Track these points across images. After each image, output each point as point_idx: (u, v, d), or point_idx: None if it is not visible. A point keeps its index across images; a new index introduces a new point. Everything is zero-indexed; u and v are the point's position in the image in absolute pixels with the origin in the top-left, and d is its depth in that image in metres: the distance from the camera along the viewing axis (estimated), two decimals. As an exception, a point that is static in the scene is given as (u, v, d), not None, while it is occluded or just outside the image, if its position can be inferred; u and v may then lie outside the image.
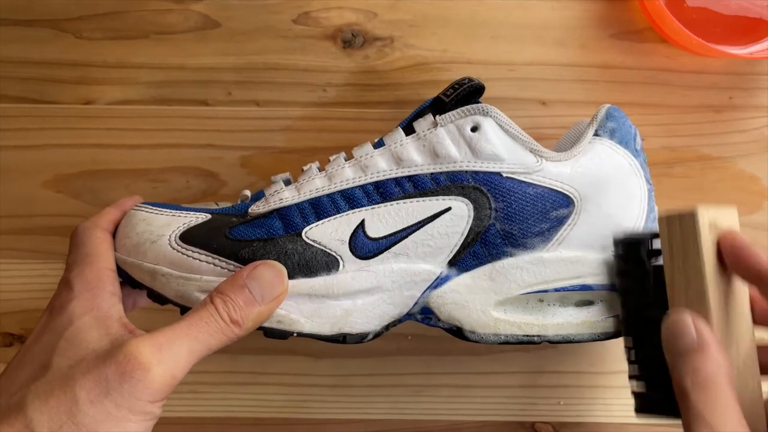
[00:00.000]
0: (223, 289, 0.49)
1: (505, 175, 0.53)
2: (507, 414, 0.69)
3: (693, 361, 0.46)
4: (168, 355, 0.46)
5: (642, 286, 0.53)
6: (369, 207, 0.53)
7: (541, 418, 0.69)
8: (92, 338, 0.47)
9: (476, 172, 0.53)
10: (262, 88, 0.68)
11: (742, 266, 0.47)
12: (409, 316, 0.56)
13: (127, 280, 0.54)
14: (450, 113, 0.54)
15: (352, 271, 0.53)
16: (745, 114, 0.68)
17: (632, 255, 0.54)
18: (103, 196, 0.68)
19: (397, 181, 0.54)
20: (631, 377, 0.54)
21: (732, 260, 0.48)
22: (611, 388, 0.68)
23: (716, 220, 0.48)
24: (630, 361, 0.54)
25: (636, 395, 0.54)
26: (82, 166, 0.68)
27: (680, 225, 0.49)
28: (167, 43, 0.68)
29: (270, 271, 0.51)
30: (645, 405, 0.53)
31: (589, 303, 0.57)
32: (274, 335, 0.53)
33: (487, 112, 0.53)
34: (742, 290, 0.49)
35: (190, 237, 0.53)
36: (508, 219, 0.53)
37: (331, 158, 0.57)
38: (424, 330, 0.59)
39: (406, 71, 0.68)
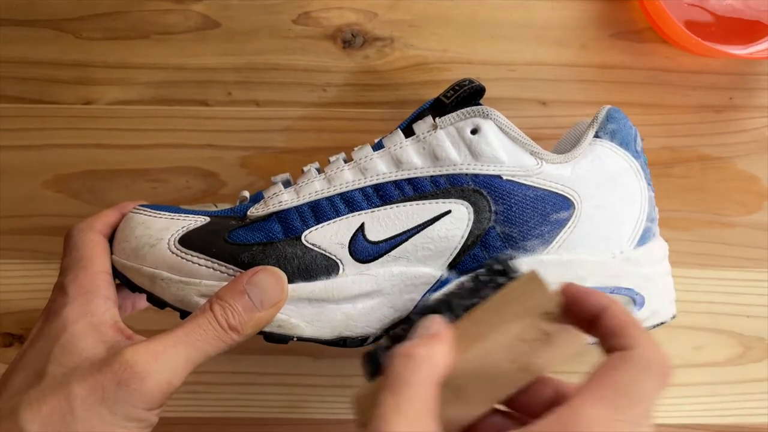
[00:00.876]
0: (223, 295, 0.49)
1: (505, 177, 0.53)
2: (507, 414, 0.69)
3: (415, 343, 0.43)
4: (164, 363, 0.46)
5: None
6: (369, 210, 0.53)
7: (540, 418, 0.69)
8: (87, 345, 0.47)
9: (476, 175, 0.53)
10: (262, 88, 0.68)
11: (579, 307, 0.44)
12: (409, 319, 0.56)
13: (126, 284, 0.54)
14: (450, 115, 0.54)
15: (352, 275, 0.53)
16: (745, 114, 0.68)
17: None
18: (103, 196, 0.68)
19: (397, 183, 0.53)
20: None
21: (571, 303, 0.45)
22: (611, 388, 0.68)
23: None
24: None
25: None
26: (82, 166, 0.68)
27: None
28: (167, 43, 0.68)
29: (270, 277, 0.50)
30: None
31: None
32: (275, 340, 0.53)
33: (488, 115, 0.53)
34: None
35: (189, 241, 0.52)
36: (508, 222, 0.53)
37: (331, 159, 0.57)
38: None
39: (406, 71, 0.68)
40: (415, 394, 0.40)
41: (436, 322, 0.45)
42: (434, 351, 0.43)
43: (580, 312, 0.44)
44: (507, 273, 0.47)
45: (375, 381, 0.45)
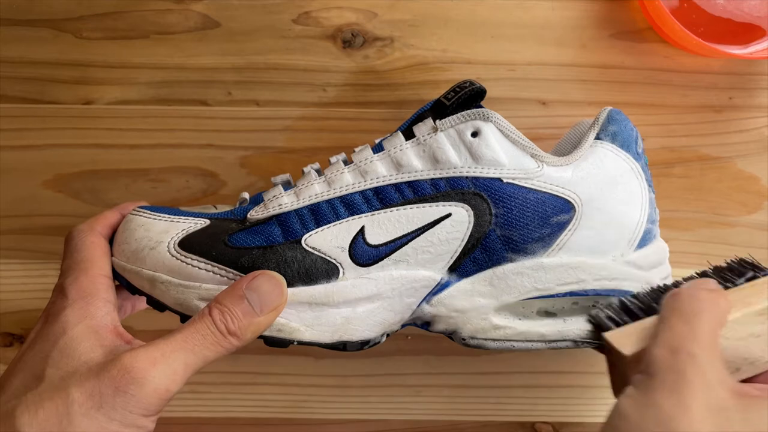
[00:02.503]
0: (222, 299, 0.49)
1: (505, 180, 0.53)
2: (507, 414, 0.69)
3: (699, 289, 0.47)
4: (163, 369, 0.46)
5: None
6: (369, 213, 0.53)
7: (541, 418, 0.69)
8: (85, 349, 0.47)
9: (476, 178, 0.53)
10: (262, 88, 0.68)
11: None
12: (409, 322, 0.56)
13: (126, 286, 0.54)
14: (450, 118, 0.54)
15: (352, 279, 0.53)
16: (745, 114, 0.68)
17: None
18: (103, 196, 0.68)
19: (397, 186, 0.53)
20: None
21: None
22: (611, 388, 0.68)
23: None
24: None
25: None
26: (82, 166, 0.68)
27: None
28: (167, 43, 0.68)
29: (269, 282, 0.50)
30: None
31: (589, 309, 0.57)
32: (275, 344, 0.52)
33: (488, 117, 0.53)
34: None
35: (189, 244, 0.52)
36: (509, 225, 0.53)
37: (331, 160, 0.57)
38: (425, 331, 0.59)
39: (406, 71, 0.68)
40: (706, 325, 0.44)
41: (712, 282, 0.50)
42: (719, 300, 0.46)
43: None
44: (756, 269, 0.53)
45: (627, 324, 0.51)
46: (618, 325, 0.52)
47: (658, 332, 0.45)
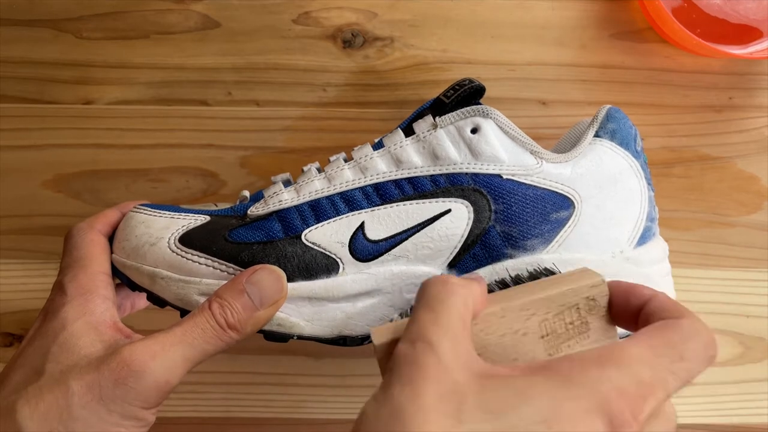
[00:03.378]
0: (222, 293, 0.49)
1: (505, 176, 0.53)
2: (507, 414, 0.69)
3: (446, 276, 0.44)
4: (162, 362, 0.46)
5: None
6: (368, 209, 0.53)
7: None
8: (85, 343, 0.47)
9: (476, 174, 0.53)
10: (262, 88, 0.68)
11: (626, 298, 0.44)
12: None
13: (127, 283, 0.54)
14: (450, 115, 0.54)
15: (352, 274, 0.53)
16: (745, 114, 0.68)
17: None
18: (103, 196, 0.68)
19: (397, 183, 0.53)
20: None
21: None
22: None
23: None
24: None
25: None
26: (82, 166, 0.68)
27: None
28: (167, 43, 0.68)
29: (269, 276, 0.50)
30: None
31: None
32: (275, 338, 0.53)
33: (488, 114, 0.53)
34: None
35: (189, 240, 0.53)
36: (508, 221, 0.53)
37: (331, 159, 0.57)
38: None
39: (406, 71, 0.68)
40: (453, 313, 0.40)
41: (475, 274, 0.48)
42: (471, 285, 0.42)
43: (627, 303, 0.43)
44: (550, 272, 0.49)
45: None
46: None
47: (408, 324, 0.41)
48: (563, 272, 0.48)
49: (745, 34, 0.67)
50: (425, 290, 0.42)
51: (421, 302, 0.41)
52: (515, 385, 0.37)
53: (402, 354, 0.38)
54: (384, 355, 0.43)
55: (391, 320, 0.47)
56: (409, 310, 0.50)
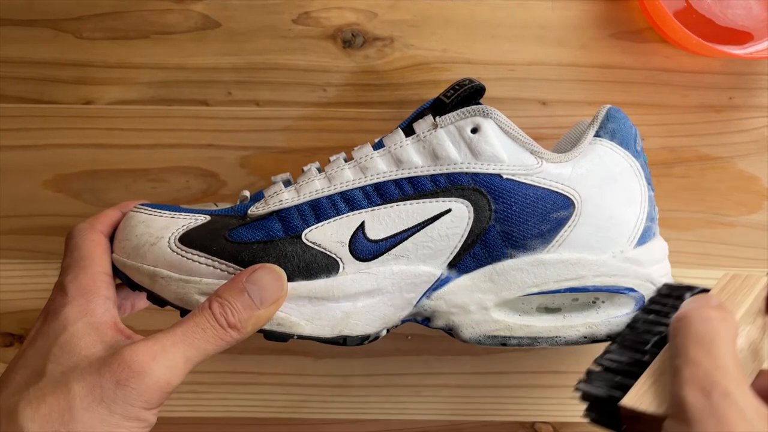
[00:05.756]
0: (222, 292, 0.49)
1: (505, 176, 0.53)
2: (507, 414, 0.69)
3: (706, 308, 0.46)
4: (163, 362, 0.46)
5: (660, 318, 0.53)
6: (369, 209, 0.53)
7: (541, 418, 0.69)
8: (85, 344, 0.47)
9: (476, 174, 0.53)
10: (262, 88, 0.68)
11: None
12: (409, 317, 0.56)
13: (127, 283, 0.54)
14: (450, 114, 0.54)
15: (352, 274, 0.53)
16: (745, 114, 0.68)
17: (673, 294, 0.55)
18: (103, 196, 0.68)
19: (397, 182, 0.53)
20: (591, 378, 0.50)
21: None
22: (611, 388, 0.68)
23: None
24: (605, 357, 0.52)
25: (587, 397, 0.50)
26: (82, 166, 0.68)
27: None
28: (167, 43, 0.68)
29: (269, 275, 0.50)
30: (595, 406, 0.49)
31: (589, 305, 0.57)
32: (275, 338, 0.52)
33: (488, 114, 0.53)
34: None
35: (189, 239, 0.52)
36: (508, 220, 0.53)
37: (331, 159, 0.57)
38: (424, 330, 0.59)
39: (406, 71, 0.68)
40: (726, 350, 0.42)
41: (714, 297, 0.48)
42: (726, 315, 0.45)
43: None
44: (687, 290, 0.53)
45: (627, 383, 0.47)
46: (612, 387, 0.48)
47: (679, 368, 0.42)
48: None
49: (735, 36, 0.67)
50: (689, 328, 0.44)
51: (690, 342, 0.43)
52: None
53: (697, 405, 0.40)
54: (648, 420, 0.44)
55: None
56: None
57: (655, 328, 0.52)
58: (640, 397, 0.45)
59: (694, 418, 0.40)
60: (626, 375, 0.48)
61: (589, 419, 0.49)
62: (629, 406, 0.44)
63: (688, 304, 0.48)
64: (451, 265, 0.54)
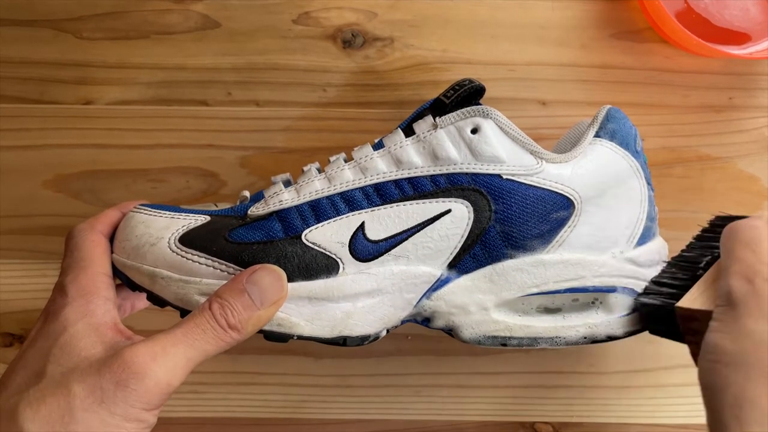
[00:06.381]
0: (222, 293, 0.49)
1: (505, 176, 0.53)
2: (507, 414, 0.69)
3: (754, 218, 0.51)
4: (163, 363, 0.46)
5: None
6: (369, 209, 0.53)
7: (541, 418, 0.69)
8: (86, 345, 0.47)
9: (476, 174, 0.53)
10: (262, 88, 0.68)
11: None
12: (409, 318, 0.56)
13: (127, 283, 0.54)
14: (450, 115, 0.54)
15: (352, 274, 0.53)
16: (745, 114, 0.68)
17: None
18: (103, 196, 0.68)
19: (397, 183, 0.53)
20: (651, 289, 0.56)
21: None
22: (611, 388, 0.68)
23: None
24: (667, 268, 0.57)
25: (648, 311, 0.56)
26: (82, 166, 0.68)
27: None
28: (167, 43, 0.68)
29: (269, 275, 0.50)
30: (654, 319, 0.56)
31: (589, 305, 0.57)
32: (275, 338, 0.52)
33: (488, 114, 0.53)
34: None
35: (189, 240, 0.52)
36: (508, 221, 0.53)
37: (331, 159, 0.57)
38: (424, 330, 0.59)
39: (406, 71, 0.68)
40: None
41: (760, 214, 0.55)
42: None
43: None
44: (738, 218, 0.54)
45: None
46: (669, 297, 0.53)
47: (728, 265, 0.48)
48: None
49: (733, 37, 0.67)
50: (738, 233, 0.49)
51: (738, 244, 0.49)
52: None
53: (741, 290, 0.46)
54: (701, 318, 0.48)
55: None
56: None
57: (708, 251, 0.55)
58: (695, 299, 0.50)
59: (738, 300, 0.45)
60: (681, 289, 0.52)
61: (650, 330, 0.56)
62: (686, 306, 0.50)
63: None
64: (451, 265, 0.54)
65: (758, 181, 0.69)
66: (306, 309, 0.52)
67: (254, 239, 0.53)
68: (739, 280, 0.46)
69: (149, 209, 0.55)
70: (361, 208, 0.53)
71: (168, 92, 0.68)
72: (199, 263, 0.52)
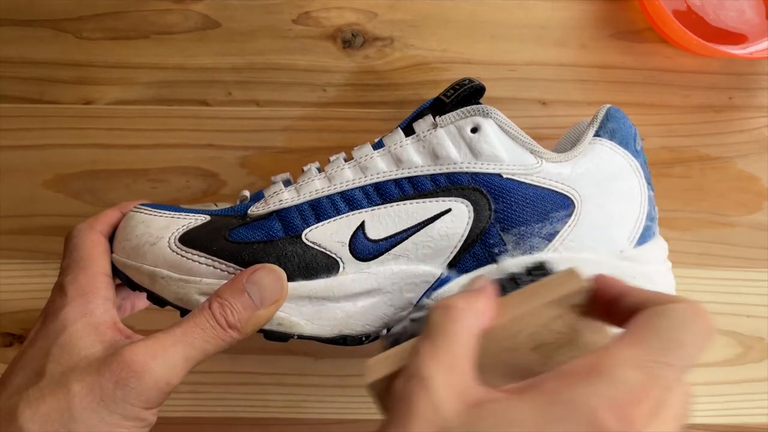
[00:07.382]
0: (222, 293, 0.49)
1: (505, 176, 0.53)
2: (507, 414, 0.69)
3: (456, 296, 0.43)
4: (163, 362, 0.46)
5: None
6: (369, 209, 0.53)
7: (540, 418, 0.69)
8: (85, 345, 0.47)
9: (476, 174, 0.53)
10: (262, 88, 0.68)
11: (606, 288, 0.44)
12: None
13: (127, 283, 0.54)
14: (450, 114, 0.54)
15: (352, 273, 0.53)
16: (745, 114, 0.68)
17: None
18: (103, 196, 0.68)
19: (397, 182, 0.53)
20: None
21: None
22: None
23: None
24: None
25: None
26: (82, 166, 0.68)
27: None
28: (167, 43, 0.68)
29: (270, 275, 0.50)
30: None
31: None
32: (275, 338, 0.52)
33: (488, 113, 0.53)
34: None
35: (189, 239, 0.52)
36: (508, 220, 0.53)
37: (331, 158, 0.57)
38: (424, 330, 0.59)
39: (406, 71, 0.68)
40: (453, 342, 0.40)
41: (482, 279, 0.46)
42: (476, 304, 0.42)
43: (608, 292, 0.43)
44: (544, 270, 0.50)
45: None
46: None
47: (410, 357, 0.40)
48: (553, 273, 0.48)
49: (732, 37, 0.67)
50: (428, 319, 0.41)
51: (424, 332, 0.41)
52: (501, 411, 0.36)
53: (397, 391, 0.38)
54: (382, 391, 0.42)
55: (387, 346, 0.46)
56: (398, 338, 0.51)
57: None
58: (374, 368, 0.43)
59: (391, 403, 0.38)
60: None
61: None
62: (367, 365, 0.43)
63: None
64: (451, 264, 0.54)
65: (758, 181, 0.69)
66: (306, 308, 0.52)
67: (254, 239, 0.53)
68: (401, 378, 0.39)
69: (149, 209, 0.55)
70: (361, 208, 0.53)
71: (168, 92, 0.68)
72: (199, 263, 0.52)
